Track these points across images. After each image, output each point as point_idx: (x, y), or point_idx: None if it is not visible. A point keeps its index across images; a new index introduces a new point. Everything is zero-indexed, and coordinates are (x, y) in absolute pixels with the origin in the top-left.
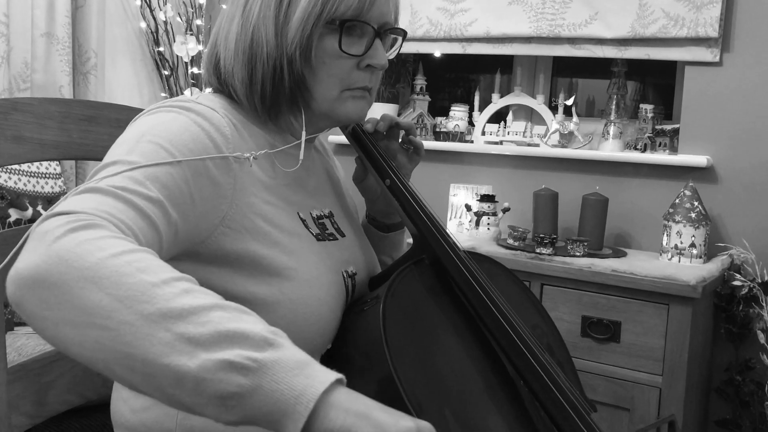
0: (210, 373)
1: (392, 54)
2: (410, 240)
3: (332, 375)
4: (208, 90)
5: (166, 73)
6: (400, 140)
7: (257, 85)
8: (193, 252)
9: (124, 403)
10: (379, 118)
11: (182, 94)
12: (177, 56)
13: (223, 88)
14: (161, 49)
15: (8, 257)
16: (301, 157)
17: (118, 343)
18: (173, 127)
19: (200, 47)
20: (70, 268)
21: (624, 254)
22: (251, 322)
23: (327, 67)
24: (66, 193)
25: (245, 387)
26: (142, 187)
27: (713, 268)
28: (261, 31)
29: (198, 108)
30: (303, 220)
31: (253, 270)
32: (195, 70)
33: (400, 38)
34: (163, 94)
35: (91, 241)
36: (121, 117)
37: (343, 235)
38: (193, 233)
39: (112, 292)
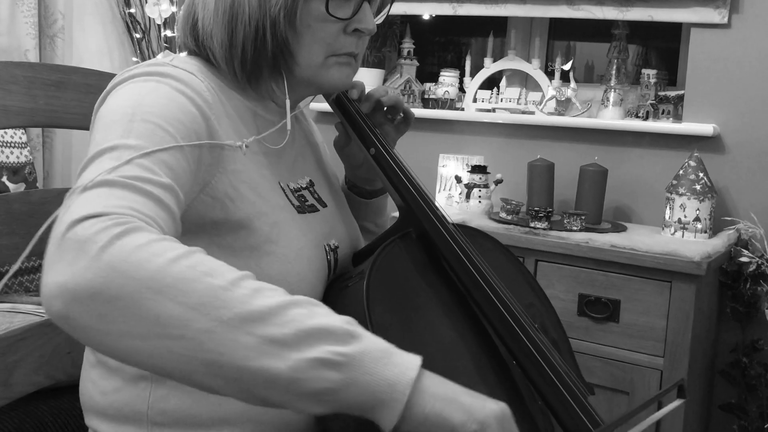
0: (302, 372)
1: (380, 18)
2: (396, 213)
3: (416, 359)
4: (183, 53)
5: (138, 36)
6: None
7: (237, 48)
8: None
9: (93, 385)
10: (363, 86)
11: (155, 58)
12: (149, 18)
13: (200, 50)
14: (132, 10)
15: (17, 263)
16: (288, 127)
17: (199, 352)
18: (159, 99)
19: (173, 8)
20: (129, 279)
21: (624, 229)
22: (326, 315)
23: (312, 30)
24: (31, 162)
25: (339, 382)
26: (153, 174)
27: (719, 243)
28: None
29: (175, 72)
30: (283, 190)
31: (232, 241)
32: (168, 32)
33: (388, 2)
34: (135, 59)
35: (142, 247)
36: (90, 82)
37: (324, 205)
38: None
39: (184, 301)
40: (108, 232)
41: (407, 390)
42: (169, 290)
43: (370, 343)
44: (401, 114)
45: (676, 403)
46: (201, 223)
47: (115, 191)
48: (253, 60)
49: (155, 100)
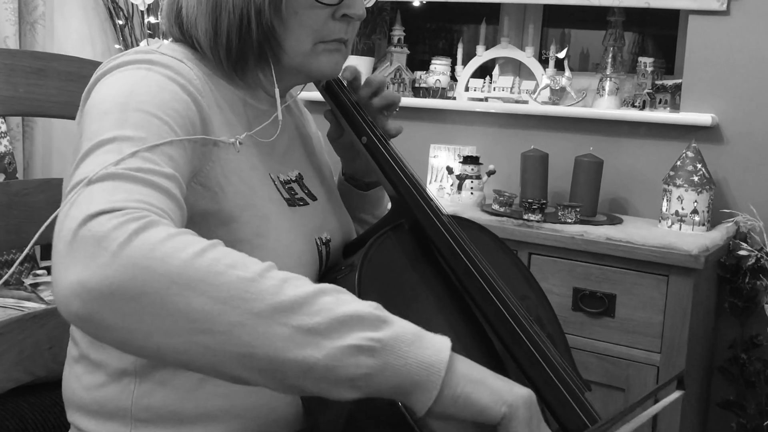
0: (338, 360)
1: (370, 2)
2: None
3: (446, 341)
4: (169, 40)
5: (121, 22)
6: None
7: (222, 37)
8: None
9: (77, 380)
10: (358, 70)
11: (139, 45)
12: (132, 4)
13: (185, 39)
14: None
15: (21, 255)
16: (280, 118)
17: (231, 345)
18: (151, 87)
19: None
20: (154, 275)
21: (620, 221)
22: (354, 302)
23: (299, 17)
24: (11, 152)
25: (375, 367)
26: (155, 165)
27: (717, 236)
28: None
29: (164, 60)
30: (274, 182)
31: (220, 234)
32: (152, 19)
33: None
34: (117, 46)
35: (163, 242)
36: (71, 69)
37: (314, 199)
38: None
39: (213, 295)
40: (126, 227)
41: (442, 372)
42: (197, 284)
43: (401, 327)
44: (396, 110)
45: (676, 394)
46: (190, 214)
47: (123, 184)
48: (239, 49)
49: (147, 89)
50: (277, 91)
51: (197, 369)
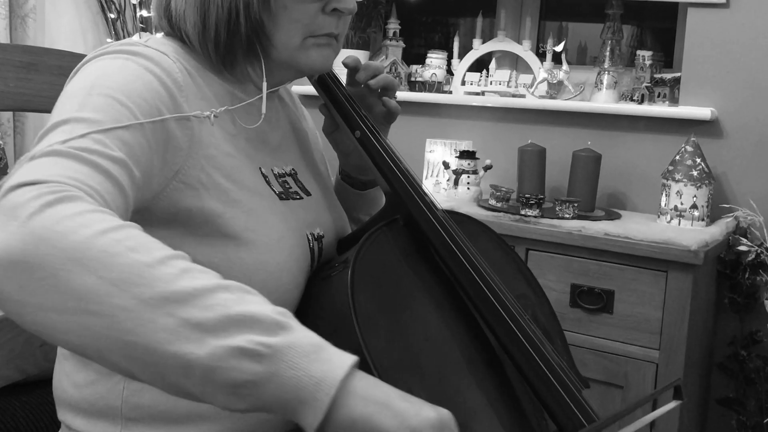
0: (221, 361)
1: None
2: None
3: (349, 358)
4: (160, 34)
5: (112, 16)
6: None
7: (210, 31)
8: (141, 210)
9: (67, 378)
10: (358, 59)
11: (130, 38)
12: None
13: (174, 32)
14: None
15: None
16: (263, 111)
17: (114, 331)
18: (123, 75)
19: None
20: (52, 248)
21: (618, 216)
22: (258, 303)
23: (288, 11)
24: (2, 148)
25: (260, 374)
26: (104, 147)
27: (716, 231)
28: None
29: (147, 52)
30: (265, 177)
31: (207, 231)
32: (144, 12)
33: None
34: (109, 39)
35: (72, 217)
36: (63, 64)
37: (308, 194)
38: (148, 188)
39: (104, 275)
40: (41, 199)
41: (332, 390)
42: (91, 263)
43: (301, 336)
44: (396, 97)
45: (672, 404)
46: (174, 211)
47: (61, 161)
48: (227, 42)
49: (118, 76)
50: (264, 84)
51: (83, 353)
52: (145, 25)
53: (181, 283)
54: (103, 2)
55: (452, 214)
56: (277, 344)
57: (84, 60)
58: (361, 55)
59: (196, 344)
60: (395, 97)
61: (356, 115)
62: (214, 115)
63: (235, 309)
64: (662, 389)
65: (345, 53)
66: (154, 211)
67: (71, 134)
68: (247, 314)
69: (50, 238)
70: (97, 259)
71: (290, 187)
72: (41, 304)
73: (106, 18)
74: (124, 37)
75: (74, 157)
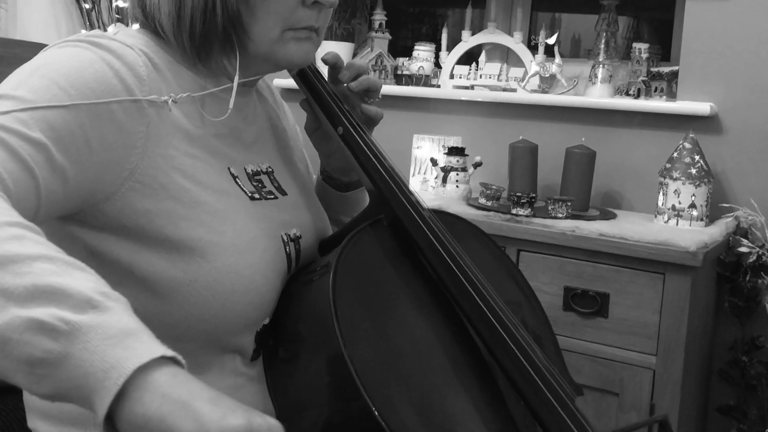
0: (16, 332)
1: None
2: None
3: (158, 350)
4: (135, 26)
5: (87, 6)
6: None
7: (185, 21)
8: (96, 213)
9: None
10: (338, 56)
11: (105, 30)
12: None
13: (149, 22)
14: None
15: None
16: (231, 104)
17: None
18: (75, 62)
19: None
20: None
21: (613, 216)
22: (81, 279)
23: (267, 2)
24: None
25: (53, 353)
26: (23, 127)
27: (716, 232)
28: None
29: (110, 44)
30: (234, 177)
31: (167, 235)
32: (120, 2)
33: None
34: (83, 31)
35: None
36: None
37: (284, 193)
38: (94, 186)
39: None
40: None
41: (120, 379)
42: None
43: (113, 319)
44: (379, 97)
45: None
46: (130, 214)
47: None
48: (203, 34)
49: (69, 63)
50: (236, 77)
51: None
52: (122, 16)
53: (4, 247)
54: None
55: (440, 214)
56: (79, 322)
57: (48, 45)
58: (346, 48)
59: None
60: (379, 98)
61: (339, 110)
62: (173, 101)
63: (47, 279)
64: (649, 420)
65: (329, 46)
66: (108, 215)
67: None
68: (58, 287)
69: None
70: None
71: (264, 187)
72: None
73: (81, 8)
74: (99, 28)
75: None
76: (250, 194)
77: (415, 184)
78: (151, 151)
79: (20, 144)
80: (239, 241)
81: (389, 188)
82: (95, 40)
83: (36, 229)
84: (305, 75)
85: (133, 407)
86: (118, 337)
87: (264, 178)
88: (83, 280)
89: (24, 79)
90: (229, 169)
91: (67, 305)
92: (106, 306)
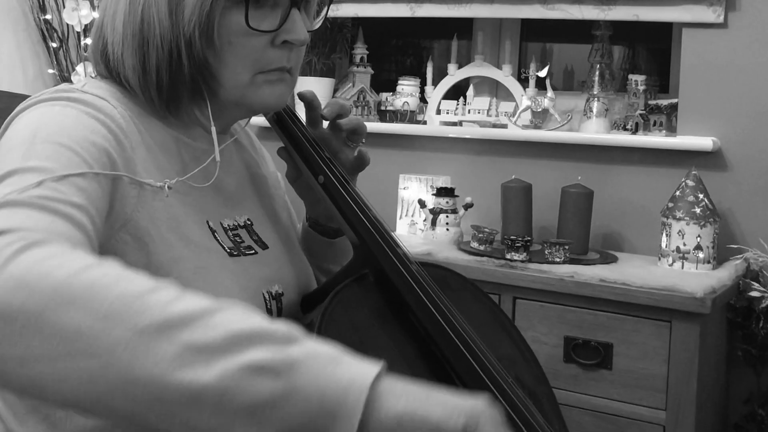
0: (233, 381)
1: (317, 24)
2: None
3: (375, 362)
4: (94, 77)
5: (55, 45)
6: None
7: (152, 74)
8: None
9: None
10: (314, 94)
11: (74, 69)
12: (67, 25)
13: (113, 76)
14: (48, 16)
15: None
16: (217, 159)
17: (112, 369)
18: (65, 121)
19: (94, 14)
20: (34, 292)
21: (614, 259)
22: (265, 320)
23: (234, 47)
24: None
25: (279, 390)
26: (62, 194)
27: (725, 275)
28: (152, 9)
29: (86, 98)
30: (213, 231)
31: None
32: (88, 41)
33: (326, 3)
34: (51, 71)
35: (47, 259)
36: (0, 105)
37: (265, 247)
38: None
39: (93, 311)
40: (12, 246)
41: (363, 393)
42: (77, 300)
43: (317, 346)
44: (363, 140)
45: None
46: None
47: (23, 210)
48: (171, 85)
49: (60, 122)
50: (213, 130)
51: (81, 404)
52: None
53: (177, 307)
54: (45, 30)
55: (429, 267)
56: (292, 355)
57: (17, 110)
58: (326, 84)
59: (203, 368)
60: (364, 141)
61: (319, 157)
62: (169, 187)
63: (239, 325)
64: None
65: (308, 82)
66: None
67: (23, 184)
68: (254, 329)
69: (29, 282)
70: (82, 296)
71: (242, 242)
72: (26, 354)
73: (48, 47)
74: (67, 67)
75: (34, 206)
76: (228, 250)
77: (402, 228)
78: (143, 202)
79: (72, 210)
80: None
81: (374, 241)
82: (70, 95)
83: (175, 285)
84: (282, 120)
85: (380, 413)
86: (333, 359)
87: (242, 232)
88: (267, 320)
89: (28, 150)
90: (207, 222)
91: (271, 343)
92: (298, 336)
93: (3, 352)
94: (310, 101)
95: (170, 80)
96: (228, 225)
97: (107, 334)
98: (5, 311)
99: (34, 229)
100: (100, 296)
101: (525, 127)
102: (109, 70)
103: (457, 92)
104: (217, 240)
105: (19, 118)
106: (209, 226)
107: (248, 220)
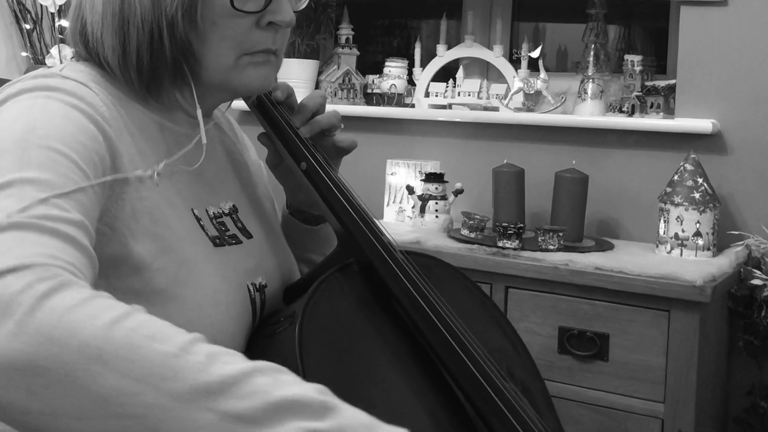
0: None
1: (302, 4)
2: None
3: (401, 430)
4: (74, 59)
5: (28, 26)
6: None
7: (132, 56)
8: None
9: None
10: (290, 89)
11: (48, 52)
12: (41, 6)
13: (92, 57)
14: None
15: None
16: (204, 141)
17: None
18: (53, 119)
19: None
20: (63, 348)
21: (610, 247)
22: (295, 384)
23: (218, 28)
24: None
25: None
26: (64, 212)
27: (725, 263)
28: None
29: (66, 85)
30: (198, 219)
31: (132, 284)
32: (63, 22)
33: None
34: (24, 53)
35: (74, 308)
36: None
37: (249, 236)
38: None
39: (129, 372)
40: (33, 290)
41: None
42: (111, 359)
43: (350, 415)
44: (341, 126)
45: None
46: (99, 261)
47: (29, 235)
48: (151, 67)
49: (49, 121)
50: (199, 112)
51: None
52: (65, 37)
53: (213, 372)
54: (18, 11)
55: (416, 256)
56: (331, 428)
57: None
58: (310, 66)
59: None
60: (341, 127)
61: (301, 144)
62: (157, 173)
63: (275, 394)
64: None
65: (291, 64)
66: None
67: (23, 198)
68: (290, 398)
69: (59, 337)
70: (117, 355)
71: (227, 230)
72: (57, 411)
73: (21, 29)
74: (41, 50)
75: (41, 230)
76: (213, 240)
77: (390, 215)
78: (126, 193)
79: (73, 230)
80: (202, 296)
81: (359, 229)
82: (51, 84)
83: (202, 337)
84: (263, 105)
85: None
86: (368, 428)
87: (227, 220)
88: (299, 384)
89: (21, 156)
90: (192, 210)
91: (308, 414)
92: (335, 405)
93: (33, 405)
94: (286, 98)
95: (151, 62)
96: (213, 213)
97: (144, 397)
98: (36, 366)
99: (48, 264)
100: (134, 356)
101: (517, 109)
102: (88, 51)
103: (446, 74)
104: (203, 229)
105: (2, 110)
106: (194, 215)
107: (233, 206)
